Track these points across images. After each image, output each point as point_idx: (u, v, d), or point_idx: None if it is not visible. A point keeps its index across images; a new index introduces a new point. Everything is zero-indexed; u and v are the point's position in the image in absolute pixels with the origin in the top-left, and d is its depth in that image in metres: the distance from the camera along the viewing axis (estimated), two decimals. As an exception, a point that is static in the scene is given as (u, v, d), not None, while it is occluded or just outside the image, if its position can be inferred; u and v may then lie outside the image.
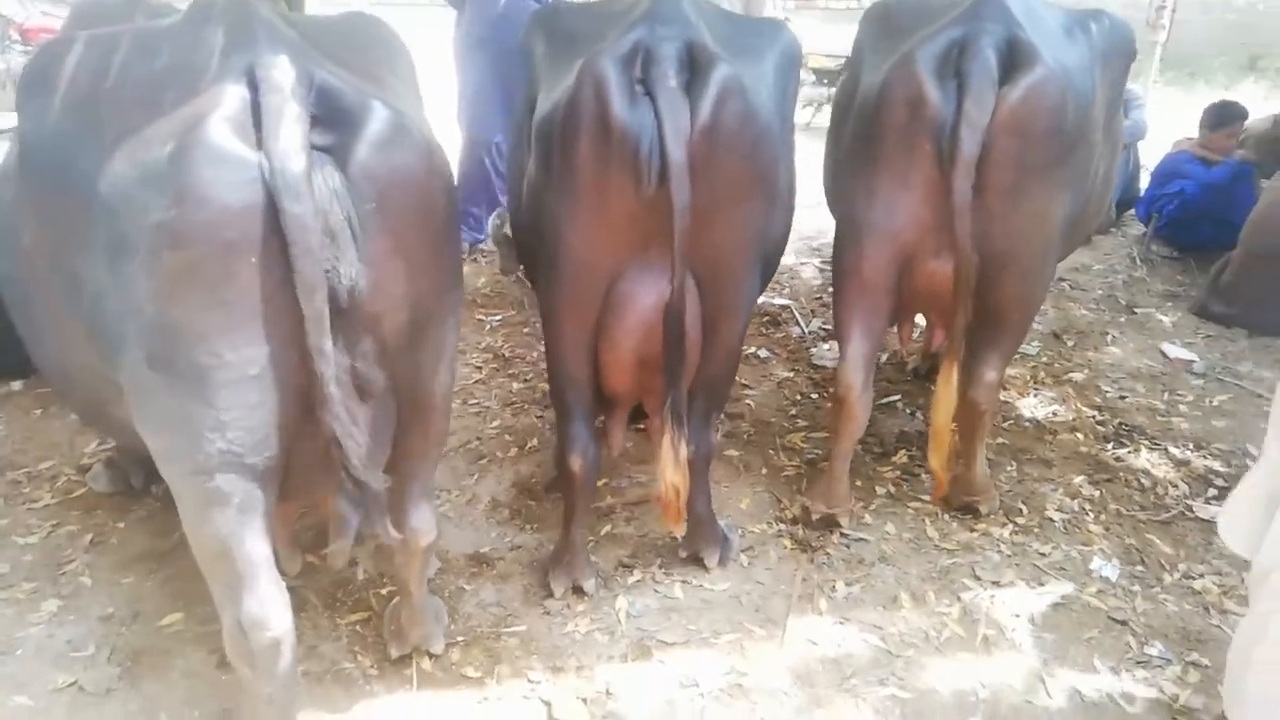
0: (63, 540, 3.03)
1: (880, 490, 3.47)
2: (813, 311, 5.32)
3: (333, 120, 1.77)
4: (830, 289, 5.62)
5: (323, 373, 1.75)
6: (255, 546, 1.87)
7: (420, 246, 1.94)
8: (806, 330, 4.99)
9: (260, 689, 1.96)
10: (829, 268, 6.03)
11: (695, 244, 2.26)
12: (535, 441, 3.81)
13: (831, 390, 4.19)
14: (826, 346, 4.77)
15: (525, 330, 5.00)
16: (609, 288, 2.42)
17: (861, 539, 3.17)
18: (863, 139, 2.83)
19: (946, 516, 3.29)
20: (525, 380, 4.43)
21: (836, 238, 3.01)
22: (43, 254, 1.98)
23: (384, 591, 2.84)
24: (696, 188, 2.20)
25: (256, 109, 1.68)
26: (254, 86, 1.69)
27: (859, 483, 3.43)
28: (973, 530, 3.22)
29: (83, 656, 2.55)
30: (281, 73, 1.70)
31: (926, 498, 3.39)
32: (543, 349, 4.75)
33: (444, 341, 2.12)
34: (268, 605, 1.90)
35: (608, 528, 3.21)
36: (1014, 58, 2.56)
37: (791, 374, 4.48)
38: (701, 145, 2.21)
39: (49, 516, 3.15)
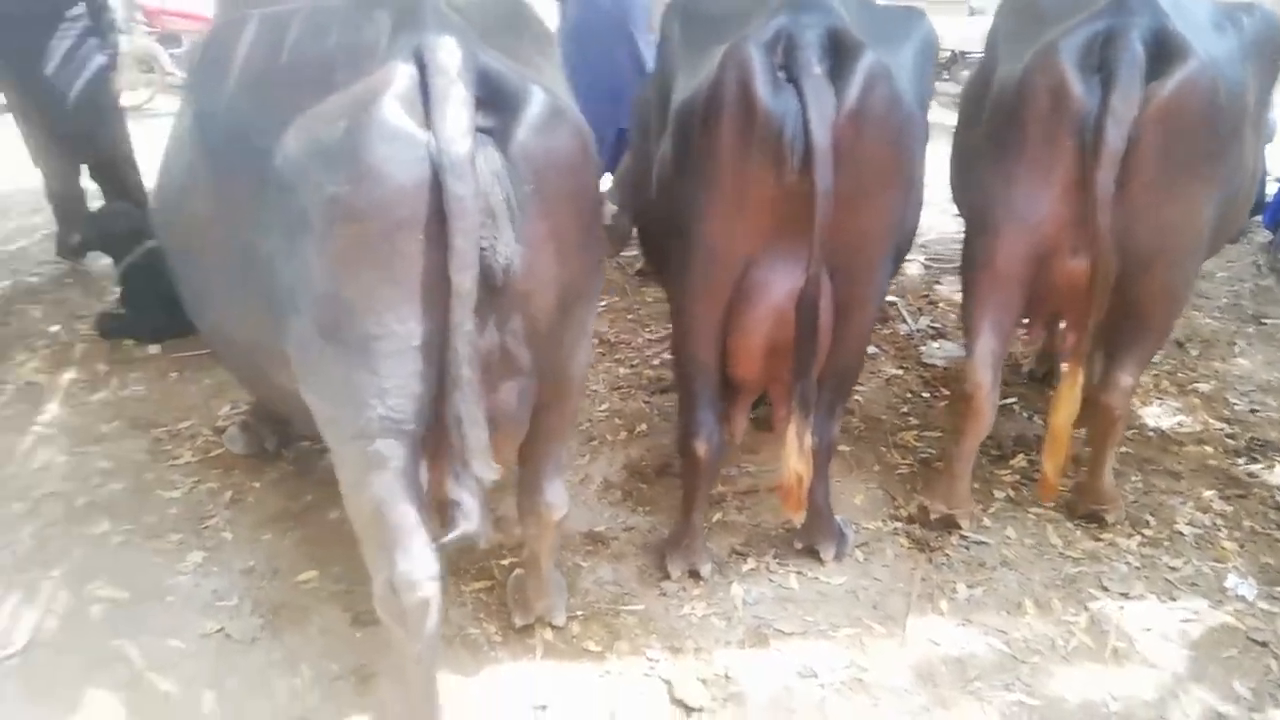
0: (204, 496, 3.19)
1: (998, 494, 3.40)
2: (920, 309, 5.23)
3: (494, 103, 1.81)
4: (936, 285, 5.57)
5: (459, 350, 1.77)
6: (409, 509, 1.93)
7: (571, 228, 1.97)
8: (914, 327, 4.91)
9: (410, 648, 2.03)
10: (935, 264, 5.97)
11: (833, 231, 2.25)
12: (644, 426, 3.84)
13: (949, 388, 4.16)
14: (936, 345, 4.69)
15: (629, 316, 5.04)
16: (742, 274, 2.43)
17: (981, 542, 3.11)
18: (1000, 131, 2.77)
19: (1069, 524, 3.21)
20: (631, 366, 4.47)
21: (969, 232, 2.96)
22: (214, 225, 2.07)
23: (505, 562, 2.91)
24: (839, 175, 2.19)
25: (425, 89, 1.72)
26: (422, 67, 1.73)
27: (975, 485, 3.36)
28: (1098, 539, 3.12)
29: (227, 606, 2.69)
30: (448, 55, 1.73)
31: (1048, 504, 3.31)
32: (647, 335, 4.88)
33: (586, 322, 2.16)
34: (420, 566, 1.96)
35: (719, 515, 3.23)
36: (1163, 50, 2.48)
37: (900, 371, 4.41)
38: (846, 132, 2.19)
39: (190, 473, 3.32)
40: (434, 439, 1.93)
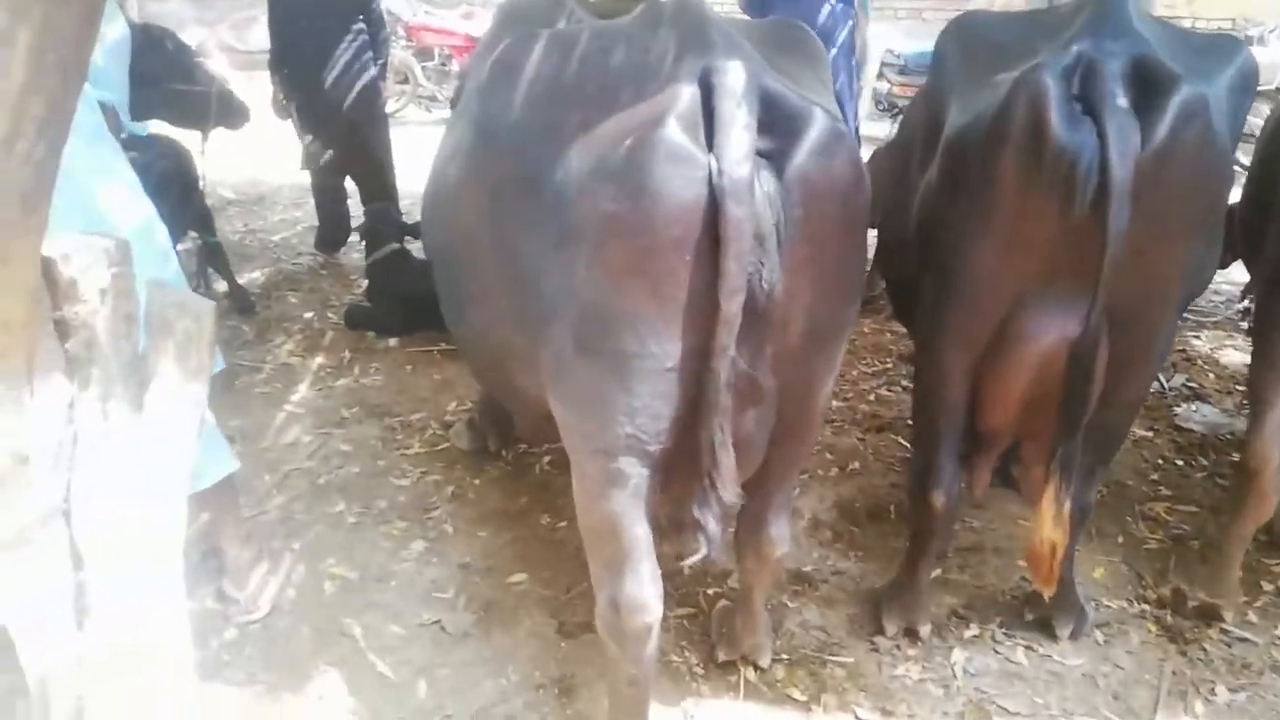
0: (429, 488, 3.34)
1: (1267, 586, 2.98)
2: (1174, 365, 4.72)
3: (774, 125, 1.77)
4: (1195, 340, 5.03)
5: (719, 374, 1.75)
6: (642, 530, 1.93)
7: (837, 256, 1.90)
8: (1168, 385, 4.44)
9: (625, 669, 2.01)
10: (1193, 316, 5.39)
11: (1121, 277, 2.03)
12: (856, 464, 3.68)
13: (1209, 458, 3.72)
14: (1192, 407, 4.21)
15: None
16: (1007, 316, 2.25)
17: (1246, 639, 2.73)
18: None
19: (1361, 633, 2.76)
20: (844, 399, 4.30)
21: (1266, 289, 2.61)
22: (481, 232, 2.13)
23: (710, 591, 2.85)
24: (1135, 216, 1.97)
25: (708, 111, 1.71)
26: (706, 89, 1.72)
27: (1240, 573, 2.96)
28: (1398, 655, 2.67)
29: (444, 599, 2.79)
30: (735, 77, 1.71)
31: (1331, 606, 2.87)
32: (863, 368, 4.70)
33: (836, 355, 2.07)
34: (647, 589, 1.95)
35: (938, 572, 3.00)
36: None
37: (1150, 434, 3.98)
38: (1150, 171, 1.97)
39: (418, 464, 3.49)
40: (669, 462, 1.91)
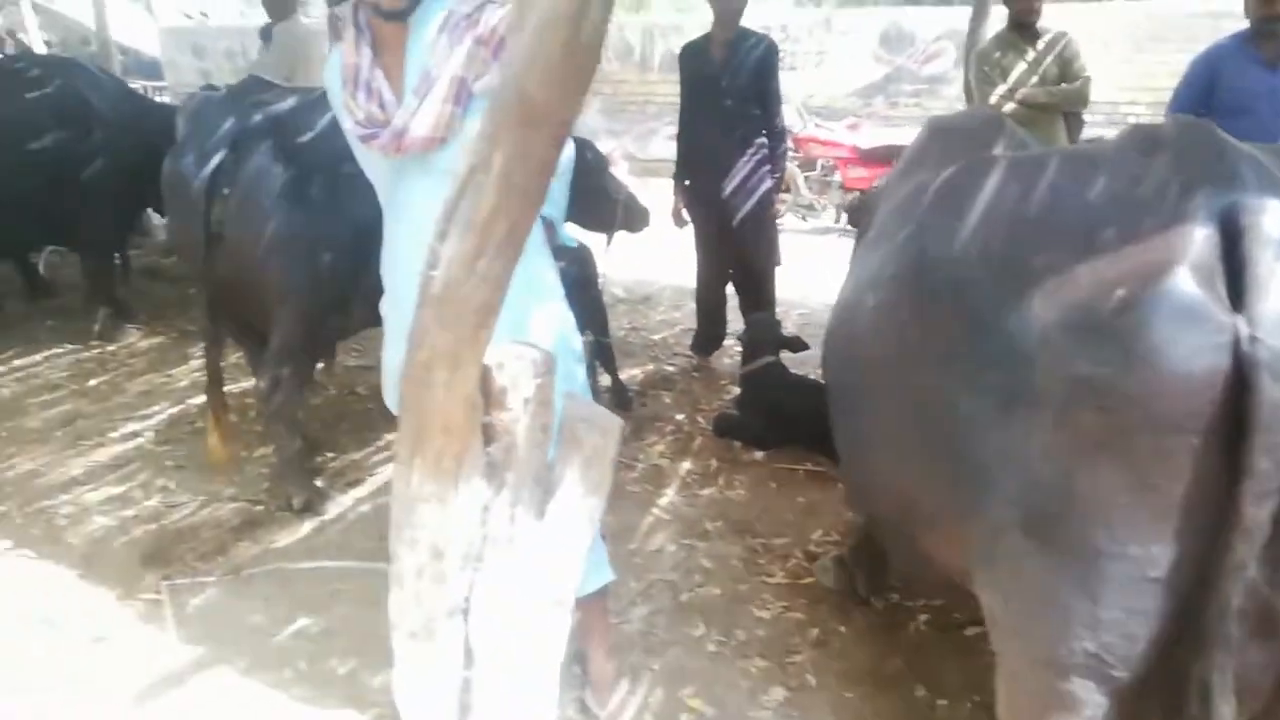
0: (791, 627, 3.09)
1: None
2: None
3: None
4: None
5: (1230, 599, 1.37)
6: (1093, 776, 1.53)
7: None
8: None
9: None
10: None
11: None
12: None
13: None
14: None
15: None
16: None
17: None
18: None
19: None
20: None
21: None
22: (909, 371, 1.90)
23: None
24: None
25: (1230, 260, 1.37)
26: (1231, 232, 1.39)
27: None
28: None
29: (804, 766, 2.51)
30: (1274, 221, 1.36)
31: None
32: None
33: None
34: None
35: None
36: None
37: None
38: None
39: (780, 596, 3.27)
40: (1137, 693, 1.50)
